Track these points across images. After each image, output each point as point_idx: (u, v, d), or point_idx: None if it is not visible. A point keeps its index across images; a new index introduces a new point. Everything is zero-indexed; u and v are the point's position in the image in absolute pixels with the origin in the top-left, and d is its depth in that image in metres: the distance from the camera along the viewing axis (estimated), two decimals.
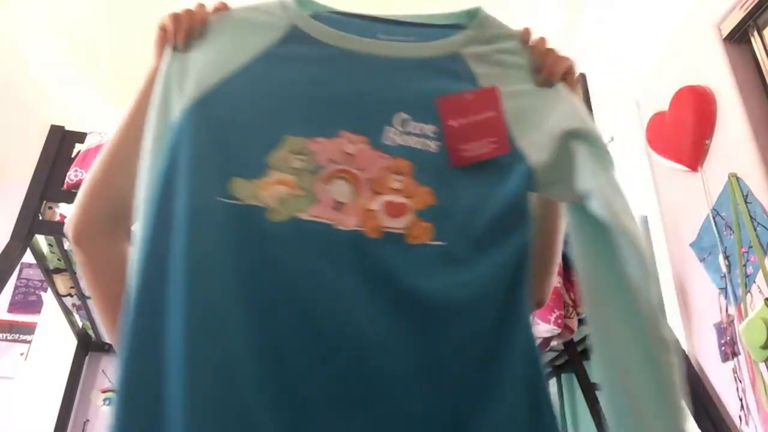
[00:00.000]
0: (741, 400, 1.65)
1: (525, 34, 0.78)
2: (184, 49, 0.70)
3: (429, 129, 0.69)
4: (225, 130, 0.63)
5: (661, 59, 2.28)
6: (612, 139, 2.54)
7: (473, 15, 0.78)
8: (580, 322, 1.86)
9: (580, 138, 0.69)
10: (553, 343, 1.79)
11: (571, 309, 1.82)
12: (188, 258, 0.55)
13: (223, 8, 0.75)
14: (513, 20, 0.79)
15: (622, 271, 0.62)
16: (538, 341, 1.77)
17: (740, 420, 1.65)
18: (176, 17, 0.72)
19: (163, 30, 0.72)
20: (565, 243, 0.79)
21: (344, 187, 0.63)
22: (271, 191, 0.60)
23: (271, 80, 0.68)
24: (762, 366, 1.58)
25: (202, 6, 0.75)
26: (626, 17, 2.60)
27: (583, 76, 2.90)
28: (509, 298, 0.62)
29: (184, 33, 0.71)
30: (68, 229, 0.73)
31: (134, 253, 0.59)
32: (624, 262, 0.61)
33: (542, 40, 0.78)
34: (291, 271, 0.57)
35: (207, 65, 0.68)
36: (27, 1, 2.90)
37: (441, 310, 0.59)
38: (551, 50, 0.77)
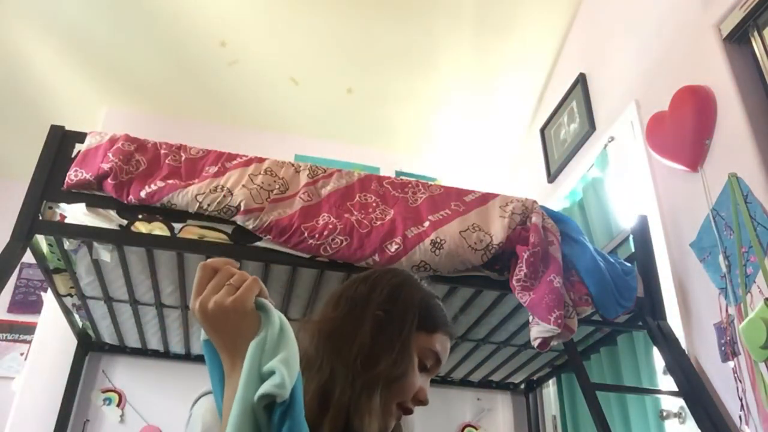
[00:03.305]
0: (741, 400, 1.65)
1: None
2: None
3: None
4: None
5: (661, 59, 2.28)
6: (612, 139, 2.54)
7: None
8: (580, 321, 1.86)
9: None
10: (553, 343, 1.79)
11: (571, 309, 1.81)
12: None
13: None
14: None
15: None
16: (537, 341, 1.77)
17: (740, 420, 1.65)
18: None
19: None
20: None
21: None
22: None
23: None
24: (762, 366, 1.58)
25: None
26: (626, 17, 2.61)
27: (583, 76, 2.91)
28: None
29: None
30: None
31: None
32: None
33: None
34: None
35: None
36: (27, 1, 2.90)
37: None
38: None
